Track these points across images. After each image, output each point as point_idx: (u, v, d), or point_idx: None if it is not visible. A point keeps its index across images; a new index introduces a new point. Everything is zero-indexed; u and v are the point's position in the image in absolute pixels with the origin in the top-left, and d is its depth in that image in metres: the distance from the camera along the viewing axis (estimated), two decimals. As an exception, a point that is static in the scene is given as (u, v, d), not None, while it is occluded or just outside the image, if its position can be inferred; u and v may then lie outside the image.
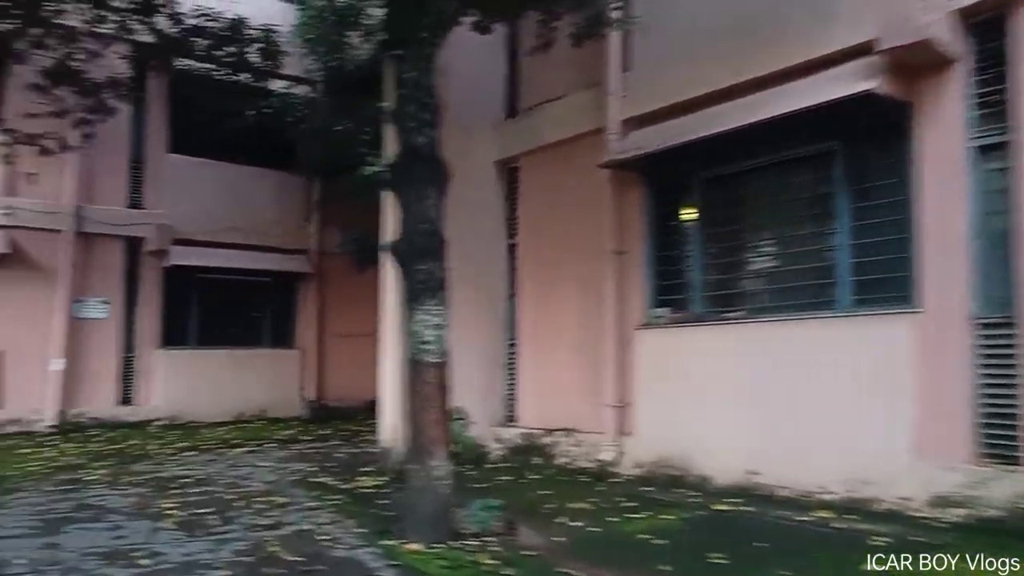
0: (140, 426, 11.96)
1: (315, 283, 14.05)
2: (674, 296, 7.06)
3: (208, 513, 5.70)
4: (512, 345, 8.64)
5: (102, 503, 6.09)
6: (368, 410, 14.10)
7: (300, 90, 13.08)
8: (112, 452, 9.31)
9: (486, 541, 4.80)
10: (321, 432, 11.78)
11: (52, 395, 11.39)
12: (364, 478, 7.31)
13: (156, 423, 12.17)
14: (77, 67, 9.54)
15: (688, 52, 6.76)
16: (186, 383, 12.67)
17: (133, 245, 12.38)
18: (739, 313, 6.52)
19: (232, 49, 10.19)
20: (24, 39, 9.17)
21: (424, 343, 5.01)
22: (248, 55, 10.41)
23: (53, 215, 11.52)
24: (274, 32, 10.88)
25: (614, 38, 7.20)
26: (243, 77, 11.40)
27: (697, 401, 6.54)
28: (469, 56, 7.85)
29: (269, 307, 14.04)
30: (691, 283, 6.96)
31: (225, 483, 7.12)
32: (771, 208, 6.59)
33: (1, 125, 10.22)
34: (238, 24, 10.38)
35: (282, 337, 14.07)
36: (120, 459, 8.73)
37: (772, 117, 5.76)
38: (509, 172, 8.79)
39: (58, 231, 11.57)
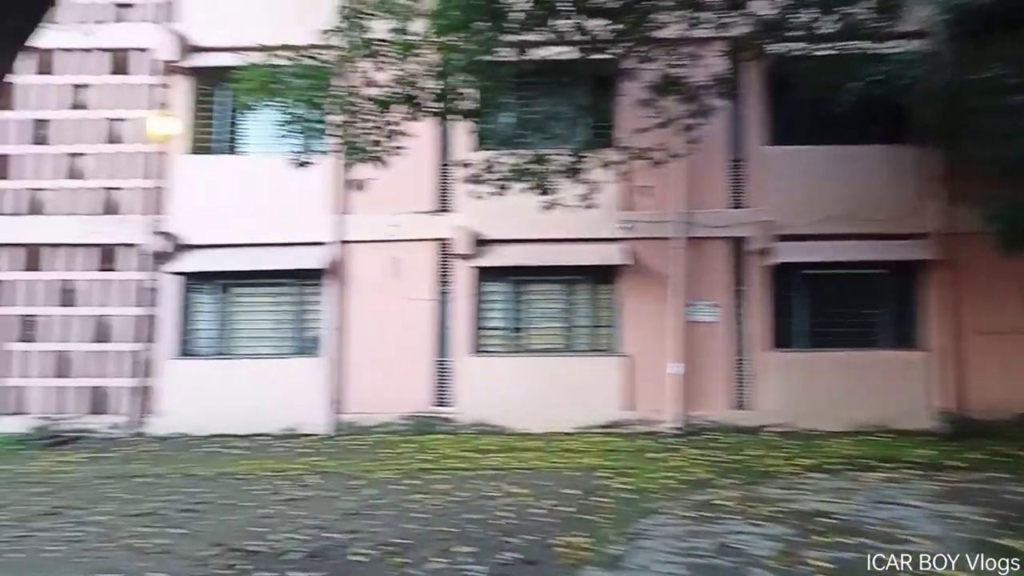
0: (753, 432, 11.59)
1: (945, 271, 11.72)
2: None
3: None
4: None
5: (742, 545, 5.47)
6: (1027, 426, 11.21)
7: (913, 46, 10.96)
8: (735, 466, 8.93)
9: None
10: (969, 456, 9.50)
11: (671, 398, 11.82)
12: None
13: (768, 429, 11.66)
14: (678, 74, 9.57)
15: None
16: (796, 387, 11.88)
17: (736, 245, 12.13)
18: None
19: (841, 12, 8.90)
20: (632, 58, 9.57)
21: None
22: (857, 16, 8.98)
23: (663, 224, 11.99)
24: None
25: None
26: (847, 46, 9.96)
27: None
28: None
29: (885, 302, 12.24)
30: None
31: (875, 532, 5.86)
32: None
33: (617, 143, 10.93)
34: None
35: (903, 336, 12.10)
36: (746, 476, 8.25)
37: None
38: None
39: (668, 239, 11.99)
